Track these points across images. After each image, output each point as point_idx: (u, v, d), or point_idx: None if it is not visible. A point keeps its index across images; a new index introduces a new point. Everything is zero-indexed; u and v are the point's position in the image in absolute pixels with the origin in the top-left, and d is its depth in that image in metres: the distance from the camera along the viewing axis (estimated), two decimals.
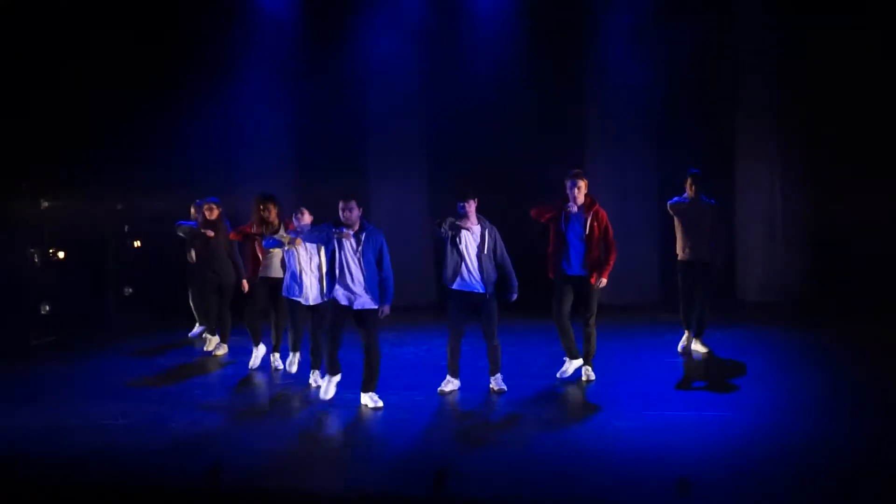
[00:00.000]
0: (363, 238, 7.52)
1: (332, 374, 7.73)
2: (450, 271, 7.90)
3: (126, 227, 13.18)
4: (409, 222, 12.75)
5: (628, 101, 12.31)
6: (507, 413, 7.55)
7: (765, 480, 5.72)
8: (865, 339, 9.87)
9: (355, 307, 7.56)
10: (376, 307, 7.59)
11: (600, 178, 12.36)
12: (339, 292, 7.53)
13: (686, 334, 9.33)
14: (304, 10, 13.21)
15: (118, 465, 6.47)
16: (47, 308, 11.58)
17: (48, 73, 11.50)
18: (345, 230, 7.49)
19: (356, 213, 7.53)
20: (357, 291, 7.52)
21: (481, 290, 7.88)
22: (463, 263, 7.85)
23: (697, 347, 9.24)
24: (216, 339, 10.26)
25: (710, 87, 12.01)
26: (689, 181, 9.14)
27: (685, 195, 9.18)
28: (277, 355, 9.41)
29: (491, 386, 8.03)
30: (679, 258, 9.27)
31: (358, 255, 7.50)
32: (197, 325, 10.90)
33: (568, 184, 8.21)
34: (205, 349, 10.22)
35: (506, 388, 7.98)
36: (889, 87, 11.12)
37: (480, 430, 7.10)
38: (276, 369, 9.29)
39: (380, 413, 7.51)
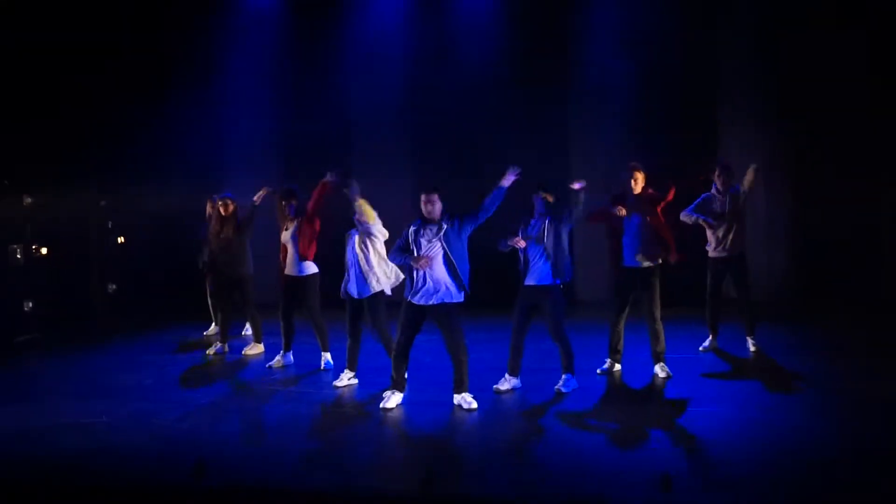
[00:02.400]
0: (441, 235, 7.30)
1: (396, 388, 7.58)
2: (522, 269, 7.85)
3: (110, 224, 13.11)
4: (394, 219, 12.68)
5: (612, 100, 12.30)
6: (493, 410, 7.54)
7: (750, 476, 5.73)
8: (852, 335, 9.92)
9: (434, 302, 7.33)
10: (456, 301, 7.35)
11: (586, 176, 12.36)
12: (417, 293, 7.35)
13: (711, 337, 9.26)
14: (289, 8, 13.15)
15: (102, 464, 6.42)
16: (30, 305, 11.50)
17: (32, 70, 11.42)
18: (423, 256, 7.26)
19: (439, 206, 7.34)
20: (436, 288, 7.31)
21: (547, 283, 7.79)
22: (531, 260, 7.79)
23: (751, 347, 9.14)
24: (259, 345, 10.03)
25: (695, 86, 12.04)
26: (717, 172, 8.97)
27: (714, 190, 9.01)
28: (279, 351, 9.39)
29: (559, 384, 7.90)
30: (711, 255, 9.09)
31: (441, 255, 7.29)
32: (213, 324, 10.87)
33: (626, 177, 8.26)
34: (244, 353, 9.96)
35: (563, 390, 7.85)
36: (874, 87, 11.17)
37: (469, 428, 7.09)
38: (271, 367, 9.26)
39: (373, 412, 7.48)
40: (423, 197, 7.38)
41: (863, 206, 11.31)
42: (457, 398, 7.48)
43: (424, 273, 7.30)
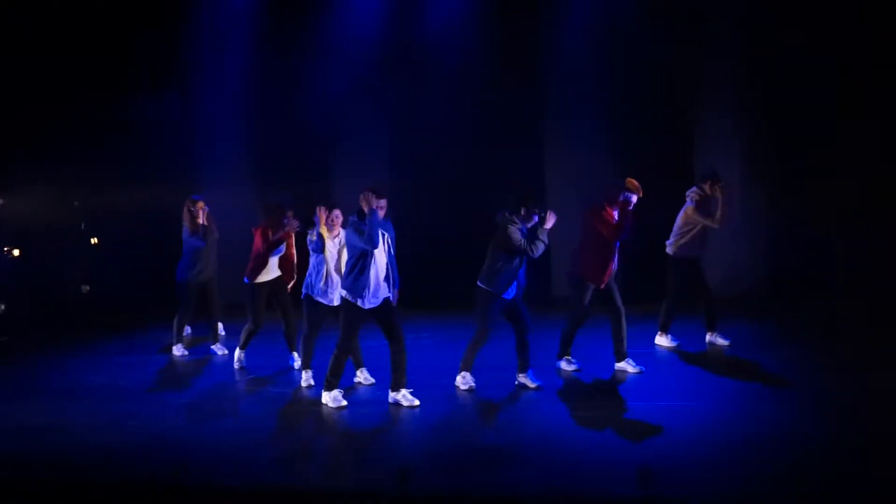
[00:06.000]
0: (386, 236, 7.50)
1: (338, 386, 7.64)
2: (506, 280, 7.75)
3: (83, 224, 13.03)
4: None
5: (587, 101, 12.31)
6: (472, 407, 7.59)
7: (726, 468, 5.81)
8: (826, 329, 10.02)
9: (380, 301, 7.44)
10: (392, 298, 7.54)
11: (561, 179, 12.47)
12: (367, 297, 7.36)
13: (669, 336, 9.36)
14: (268, 8, 13.07)
15: (79, 463, 6.42)
16: (2, 307, 11.41)
17: (3, 71, 11.35)
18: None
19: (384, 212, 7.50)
20: (379, 287, 7.42)
21: (515, 293, 7.89)
22: (518, 273, 7.79)
23: (720, 341, 9.27)
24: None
25: (670, 84, 12.08)
26: (709, 184, 9.01)
27: (706, 196, 9.05)
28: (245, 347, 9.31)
29: (523, 381, 7.97)
30: (685, 255, 9.13)
31: (387, 253, 7.47)
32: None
33: (628, 196, 8.21)
34: (219, 353, 9.94)
35: (534, 385, 7.92)
36: (844, 84, 11.30)
37: (445, 425, 7.12)
38: (241, 367, 9.22)
39: (349, 410, 7.49)
40: (381, 202, 7.41)
41: (834, 201, 11.43)
42: (393, 395, 7.55)
43: (374, 276, 7.33)
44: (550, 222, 7.74)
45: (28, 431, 7.20)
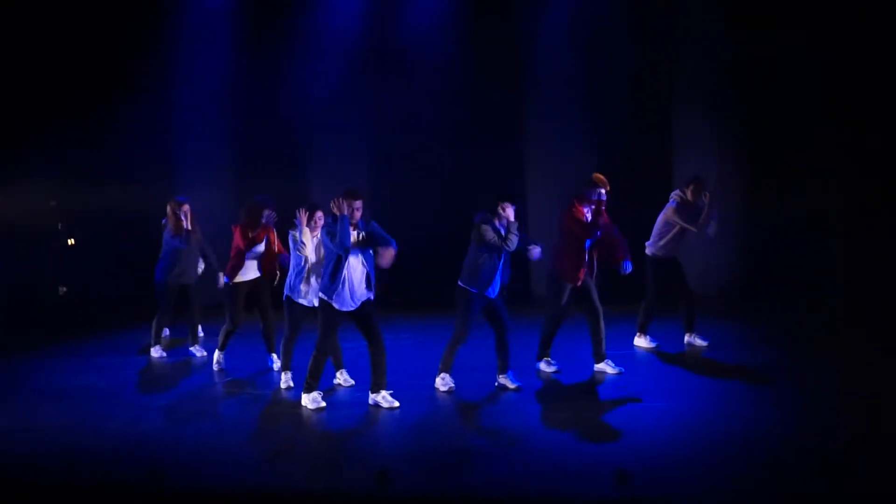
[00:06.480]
0: (362, 237, 7.40)
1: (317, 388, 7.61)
2: (488, 277, 7.75)
3: (60, 225, 12.93)
4: None
5: (567, 102, 12.35)
6: (452, 408, 7.59)
7: (707, 468, 5.85)
8: (800, 329, 10.09)
9: (356, 306, 7.43)
10: (371, 297, 7.48)
11: (539, 179, 12.51)
12: (345, 298, 7.36)
13: (648, 337, 9.39)
14: (248, 13, 13.01)
15: (55, 465, 6.35)
16: None
17: None
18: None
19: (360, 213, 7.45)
20: (358, 291, 7.39)
21: (497, 293, 7.91)
22: (498, 269, 7.79)
23: (698, 342, 9.31)
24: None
25: (651, 83, 12.15)
26: (691, 189, 9.08)
27: (687, 200, 9.13)
28: (218, 351, 9.25)
29: (503, 382, 7.97)
30: (662, 256, 9.18)
31: (361, 257, 7.38)
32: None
33: (600, 193, 8.22)
34: (198, 354, 9.80)
35: (514, 386, 7.92)
36: (821, 86, 11.38)
37: (425, 426, 7.12)
38: (220, 369, 9.16)
39: (324, 412, 7.46)
40: (356, 203, 7.33)
41: (811, 202, 11.52)
42: (373, 397, 7.53)
43: (349, 279, 7.31)
44: (510, 213, 7.71)
45: (3, 433, 7.13)
